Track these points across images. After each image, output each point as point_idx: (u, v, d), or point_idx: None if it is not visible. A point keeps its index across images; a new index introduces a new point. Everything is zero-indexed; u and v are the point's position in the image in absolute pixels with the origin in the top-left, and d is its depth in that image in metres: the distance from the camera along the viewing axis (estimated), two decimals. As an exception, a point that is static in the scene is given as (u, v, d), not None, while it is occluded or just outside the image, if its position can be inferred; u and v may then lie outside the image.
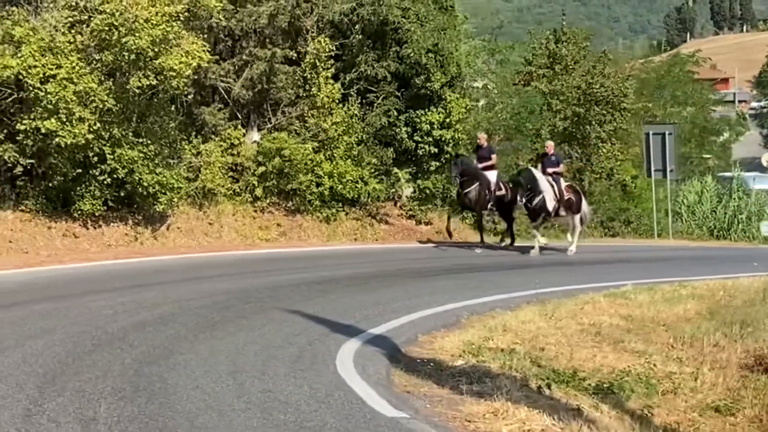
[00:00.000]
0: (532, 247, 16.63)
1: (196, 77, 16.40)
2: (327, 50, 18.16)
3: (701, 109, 38.05)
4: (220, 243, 16.78)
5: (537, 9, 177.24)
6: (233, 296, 10.19)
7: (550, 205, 16.34)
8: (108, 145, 14.77)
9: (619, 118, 24.56)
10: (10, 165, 14.76)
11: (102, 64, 14.61)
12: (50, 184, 15.05)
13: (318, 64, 18.24)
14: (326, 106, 18.39)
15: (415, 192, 20.28)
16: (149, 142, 15.19)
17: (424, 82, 19.17)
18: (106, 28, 14.25)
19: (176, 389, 5.88)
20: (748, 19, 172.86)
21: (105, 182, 14.98)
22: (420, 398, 6.03)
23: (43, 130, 14.14)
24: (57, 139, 14.11)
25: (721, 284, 11.79)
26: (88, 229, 15.34)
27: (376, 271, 13.40)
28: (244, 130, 18.39)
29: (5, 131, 14.69)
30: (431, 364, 7.05)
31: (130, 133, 15.08)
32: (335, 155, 18.53)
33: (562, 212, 16.81)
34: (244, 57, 18.32)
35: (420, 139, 19.55)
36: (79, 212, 15.12)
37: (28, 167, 14.97)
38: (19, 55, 14.11)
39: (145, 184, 15.19)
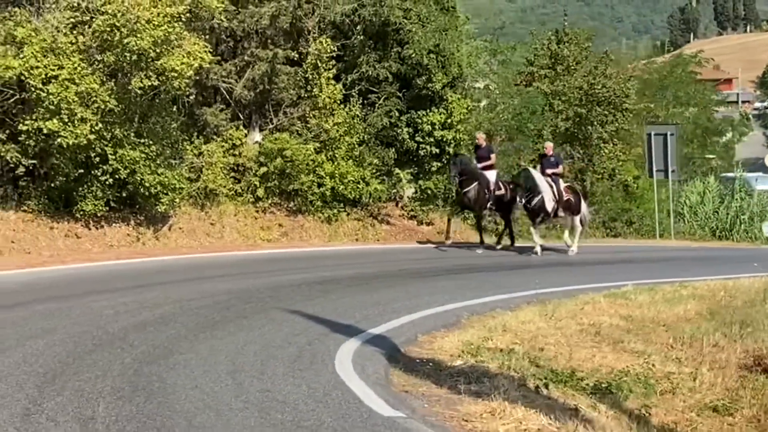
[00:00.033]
0: (534, 248, 16.63)
1: (197, 78, 16.44)
2: (328, 51, 18.19)
3: (704, 110, 38.02)
4: (222, 243, 16.81)
5: (541, 9, 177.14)
6: (234, 296, 10.22)
7: (549, 205, 16.35)
8: (110, 145, 14.80)
9: (621, 118, 24.58)
10: (12, 165, 14.82)
11: (104, 65, 14.65)
12: (52, 185, 15.09)
13: (319, 64, 18.27)
14: (328, 107, 18.42)
15: (416, 192, 20.31)
16: (151, 142, 15.22)
17: (426, 83, 19.19)
18: (108, 29, 14.28)
19: (175, 389, 5.91)
20: (752, 20, 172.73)
21: (107, 183, 15.02)
22: (418, 398, 6.05)
23: (45, 131, 14.18)
24: (59, 140, 14.15)
25: (722, 285, 11.78)
26: (90, 229, 15.38)
27: (377, 272, 13.41)
28: (245, 131, 18.43)
29: (7, 132, 14.74)
30: (430, 364, 7.07)
31: (132, 134, 15.11)
32: (337, 156, 18.56)
33: (561, 213, 16.82)
34: (245, 58, 18.36)
35: (421, 140, 19.57)
36: (81, 213, 15.16)
37: (31, 168, 15.01)
38: (21, 55, 14.15)
39: (147, 184, 15.22)
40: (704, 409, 6.30)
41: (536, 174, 16.64)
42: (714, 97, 41.31)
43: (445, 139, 19.47)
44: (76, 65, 14.28)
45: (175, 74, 14.68)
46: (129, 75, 14.80)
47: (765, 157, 40.21)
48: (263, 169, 17.93)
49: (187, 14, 15.05)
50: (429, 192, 20.05)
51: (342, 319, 8.64)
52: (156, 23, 14.31)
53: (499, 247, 17.45)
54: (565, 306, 9.77)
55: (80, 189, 15.08)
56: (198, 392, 5.82)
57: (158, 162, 15.41)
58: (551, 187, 16.49)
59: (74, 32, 14.67)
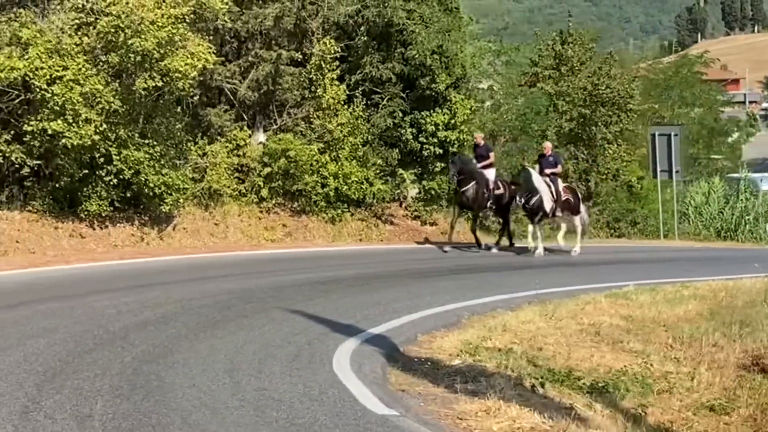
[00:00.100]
0: (536, 248, 16.62)
1: (201, 79, 16.50)
2: (332, 52, 18.22)
3: (709, 110, 37.90)
4: (226, 243, 16.86)
5: (548, 9, 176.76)
6: (236, 296, 10.26)
7: (548, 205, 16.34)
8: (114, 146, 14.87)
9: (626, 119, 24.54)
10: (17, 166, 14.91)
11: (108, 66, 14.72)
12: (57, 185, 15.17)
13: (323, 65, 18.31)
14: (332, 108, 18.45)
15: (420, 193, 20.33)
16: (155, 143, 15.29)
17: (429, 84, 19.21)
18: (112, 30, 14.35)
19: (172, 387, 5.95)
20: (760, 20, 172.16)
21: (111, 183, 15.09)
22: (414, 397, 6.08)
23: (49, 132, 14.26)
24: (63, 140, 14.23)
25: (723, 285, 11.77)
26: (94, 229, 15.45)
27: (379, 272, 13.44)
28: (249, 131, 18.48)
29: (12, 132, 14.83)
30: (428, 363, 7.09)
31: (136, 135, 15.18)
32: (340, 156, 18.59)
33: (559, 213, 16.82)
34: (249, 58, 18.41)
35: (425, 140, 19.59)
36: (86, 213, 15.23)
37: (35, 168, 15.11)
38: (26, 56, 14.25)
39: (151, 185, 15.29)
40: (701, 409, 6.32)
41: (534, 174, 16.64)
42: (720, 97, 41.16)
43: (448, 140, 19.49)
44: (80, 66, 14.36)
45: (179, 75, 14.76)
46: (133, 76, 14.86)
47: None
48: (267, 170, 17.98)
49: (191, 15, 15.11)
50: (432, 192, 20.08)
51: (342, 319, 8.67)
52: (160, 24, 14.38)
53: (494, 250, 17.29)
54: (566, 306, 9.78)
55: (85, 189, 15.15)
56: (195, 390, 5.87)
57: (162, 162, 15.47)
58: (549, 186, 16.51)
59: (79, 33, 14.75)
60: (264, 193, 18.04)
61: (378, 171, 19.14)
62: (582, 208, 17.52)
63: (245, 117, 18.68)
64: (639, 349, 7.90)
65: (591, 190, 24.04)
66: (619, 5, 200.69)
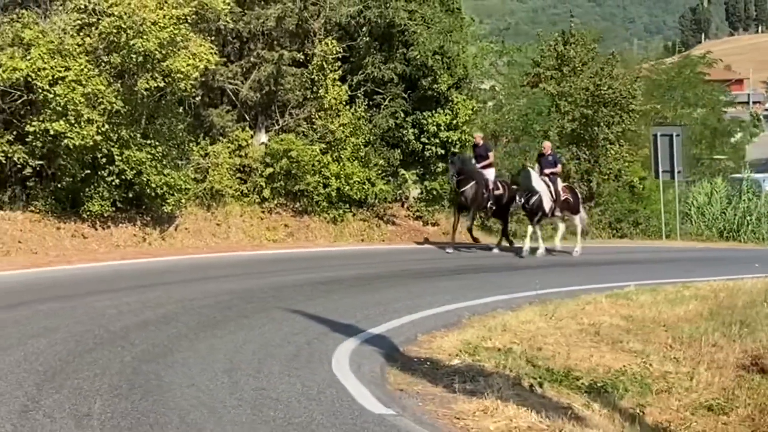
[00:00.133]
0: (537, 248, 16.60)
1: (203, 79, 16.53)
2: (334, 52, 18.24)
3: (712, 111, 37.84)
4: (228, 244, 16.89)
5: (552, 10, 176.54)
6: (237, 296, 10.28)
7: (547, 205, 16.34)
8: (116, 146, 14.90)
9: (628, 119, 24.52)
10: (19, 166, 14.94)
11: (110, 66, 14.75)
12: (59, 185, 15.20)
13: (325, 66, 18.33)
14: (333, 108, 18.47)
15: (422, 193, 20.34)
16: (157, 143, 15.31)
17: (431, 84, 19.22)
18: (115, 31, 14.38)
19: (171, 387, 5.98)
20: (764, 20, 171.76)
21: (113, 183, 15.12)
22: (412, 396, 6.09)
23: (51, 132, 14.28)
24: (66, 141, 14.26)
25: (724, 285, 11.77)
26: (96, 229, 15.48)
27: (380, 272, 13.46)
28: (251, 132, 18.49)
29: (15, 133, 14.86)
30: (427, 363, 7.11)
31: (138, 135, 15.21)
32: (342, 156, 18.61)
33: (558, 212, 16.82)
34: (251, 59, 18.44)
35: (427, 141, 19.60)
36: (88, 213, 15.26)
37: (38, 168, 15.14)
38: (28, 57, 14.27)
39: (153, 185, 15.31)
40: (699, 408, 6.33)
41: (533, 173, 16.64)
42: (723, 97, 41.09)
43: (450, 140, 19.49)
44: (82, 67, 14.40)
45: (181, 76, 14.78)
46: (135, 76, 14.89)
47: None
48: (269, 170, 18.00)
49: (193, 16, 15.14)
50: (434, 193, 20.09)
51: (342, 319, 8.69)
52: (162, 25, 14.41)
53: (494, 251, 17.27)
54: (566, 306, 9.79)
55: (87, 189, 15.18)
56: (194, 390, 5.89)
57: (164, 163, 15.50)
58: (548, 186, 16.51)
59: (81, 34, 14.78)
60: (266, 193, 18.06)
61: (380, 171, 19.16)
62: (581, 208, 17.50)
63: (247, 117, 18.70)
64: (638, 349, 7.91)
65: (593, 190, 24.02)
66: (623, 6, 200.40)
